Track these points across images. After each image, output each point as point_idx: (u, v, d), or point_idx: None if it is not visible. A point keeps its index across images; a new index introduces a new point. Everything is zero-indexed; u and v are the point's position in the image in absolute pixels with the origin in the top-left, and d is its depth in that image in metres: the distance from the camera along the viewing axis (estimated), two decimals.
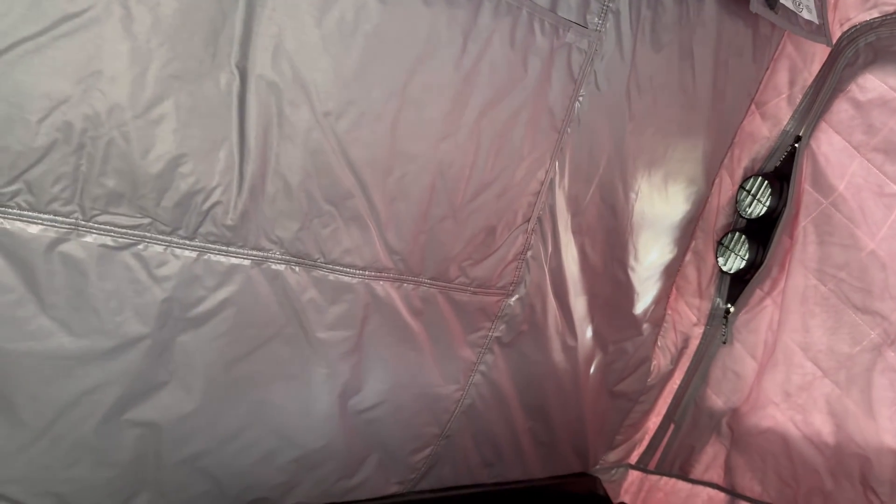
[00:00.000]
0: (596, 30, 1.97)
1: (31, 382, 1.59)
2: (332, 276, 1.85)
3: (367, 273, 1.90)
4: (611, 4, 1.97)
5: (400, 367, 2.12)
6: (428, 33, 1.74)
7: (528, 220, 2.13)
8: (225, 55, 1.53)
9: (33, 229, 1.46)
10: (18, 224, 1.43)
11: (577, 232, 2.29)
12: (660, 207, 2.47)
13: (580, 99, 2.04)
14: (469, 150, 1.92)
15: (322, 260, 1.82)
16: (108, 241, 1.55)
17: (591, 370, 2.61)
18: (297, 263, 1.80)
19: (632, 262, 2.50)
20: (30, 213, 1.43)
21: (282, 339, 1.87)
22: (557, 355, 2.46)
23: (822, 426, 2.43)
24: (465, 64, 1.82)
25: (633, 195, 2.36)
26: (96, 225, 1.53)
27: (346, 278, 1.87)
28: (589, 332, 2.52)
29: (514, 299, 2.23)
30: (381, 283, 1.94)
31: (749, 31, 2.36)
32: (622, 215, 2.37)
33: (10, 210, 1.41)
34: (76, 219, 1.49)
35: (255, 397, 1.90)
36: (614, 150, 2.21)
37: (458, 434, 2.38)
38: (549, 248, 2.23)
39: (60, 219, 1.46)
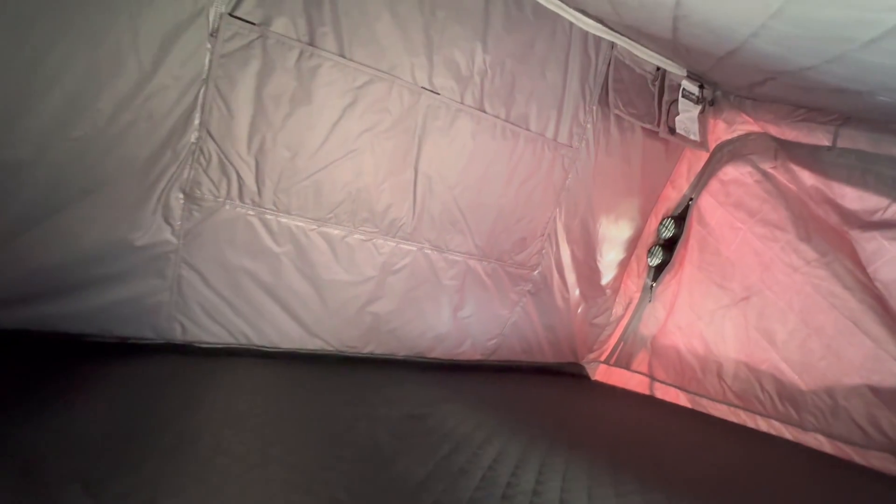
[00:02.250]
0: (576, 147, 2.18)
1: (332, 291, 1.91)
2: (451, 256, 2.09)
3: (465, 255, 2.13)
4: (584, 136, 2.20)
5: (481, 299, 2.27)
6: (494, 150, 1.98)
7: (543, 235, 2.29)
8: (411, 162, 1.86)
9: (336, 231, 1.82)
10: (333, 231, 1.82)
11: (570, 241, 2.39)
12: (613, 232, 2.53)
13: (568, 179, 2.22)
14: (514, 201, 2.12)
15: (446, 249, 2.07)
16: (362, 237, 1.88)
17: (579, 311, 2.64)
18: (435, 249, 2.05)
19: (599, 258, 2.56)
20: (342, 227, 1.83)
21: (428, 283, 2.09)
22: (560, 302, 2.53)
23: (697, 345, 2.49)
24: (512, 161, 2.03)
25: (598, 225, 2.45)
26: (358, 231, 1.86)
27: (456, 257, 2.11)
28: (577, 292, 2.57)
29: (536, 272, 2.36)
30: (472, 260, 2.15)
31: (662, 144, 2.42)
32: (592, 235, 2.46)
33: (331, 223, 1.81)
34: (349, 230, 1.83)
35: (419, 305, 2.12)
36: (586, 203, 2.34)
37: (509, 334, 2.45)
38: (554, 249, 2.37)
39: (348, 230, 1.84)
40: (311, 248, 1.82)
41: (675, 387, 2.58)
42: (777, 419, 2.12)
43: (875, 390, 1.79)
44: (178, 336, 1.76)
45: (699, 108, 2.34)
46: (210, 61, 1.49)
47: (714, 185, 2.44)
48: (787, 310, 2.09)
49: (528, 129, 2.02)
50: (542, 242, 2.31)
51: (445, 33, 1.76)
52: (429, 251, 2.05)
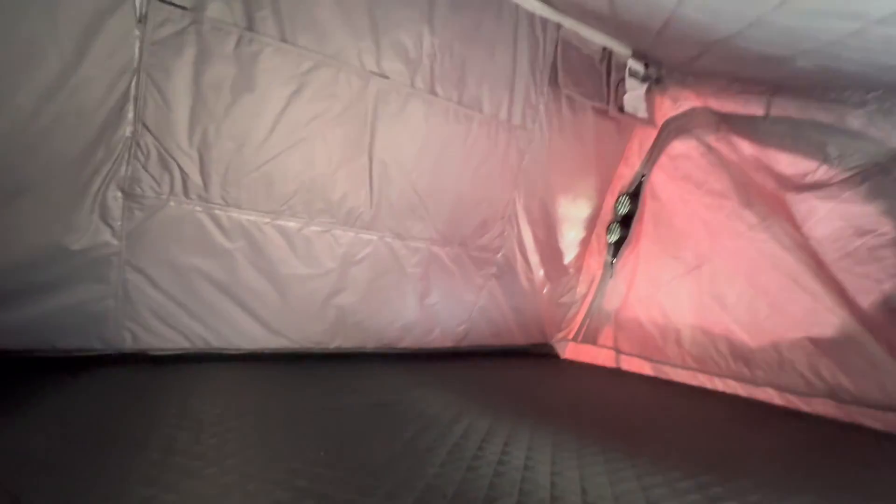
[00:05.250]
0: (530, 128, 2.21)
1: (292, 286, 1.86)
2: (412, 244, 2.08)
3: (427, 241, 2.13)
4: (537, 117, 2.23)
5: (446, 285, 2.27)
6: (449, 134, 1.98)
7: (504, 218, 2.31)
8: (364, 149, 1.83)
9: (291, 223, 1.78)
10: (288, 224, 1.77)
11: (530, 223, 2.42)
12: (572, 211, 2.59)
13: (524, 161, 2.25)
14: (472, 184, 2.12)
15: (407, 236, 2.06)
16: (319, 228, 1.84)
17: (545, 291, 2.68)
18: (396, 237, 2.04)
19: (560, 238, 2.61)
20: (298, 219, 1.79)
21: (391, 272, 2.07)
22: (525, 283, 2.56)
23: (657, 315, 2.59)
24: (468, 144, 2.04)
25: (557, 206, 2.50)
26: (315, 223, 1.82)
27: (418, 244, 2.10)
28: (541, 273, 2.61)
29: (499, 255, 2.39)
30: (434, 247, 2.15)
31: (614, 123, 2.47)
32: (552, 215, 2.51)
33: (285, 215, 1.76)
34: (305, 221, 1.80)
35: (384, 295, 2.10)
36: (544, 184, 2.38)
37: (478, 319, 2.46)
38: (516, 231, 2.39)
39: (304, 221, 1.80)
40: (266, 242, 1.78)
41: (639, 357, 2.68)
42: (731, 377, 2.25)
43: (815, 341, 1.93)
44: (128, 344, 1.69)
45: (645, 85, 2.43)
46: (140, 49, 1.41)
47: (663, 160, 2.54)
48: (734, 274, 2.21)
49: (481, 112, 2.04)
50: (503, 225, 2.33)
51: (391, 16, 1.75)
52: (390, 239, 2.03)
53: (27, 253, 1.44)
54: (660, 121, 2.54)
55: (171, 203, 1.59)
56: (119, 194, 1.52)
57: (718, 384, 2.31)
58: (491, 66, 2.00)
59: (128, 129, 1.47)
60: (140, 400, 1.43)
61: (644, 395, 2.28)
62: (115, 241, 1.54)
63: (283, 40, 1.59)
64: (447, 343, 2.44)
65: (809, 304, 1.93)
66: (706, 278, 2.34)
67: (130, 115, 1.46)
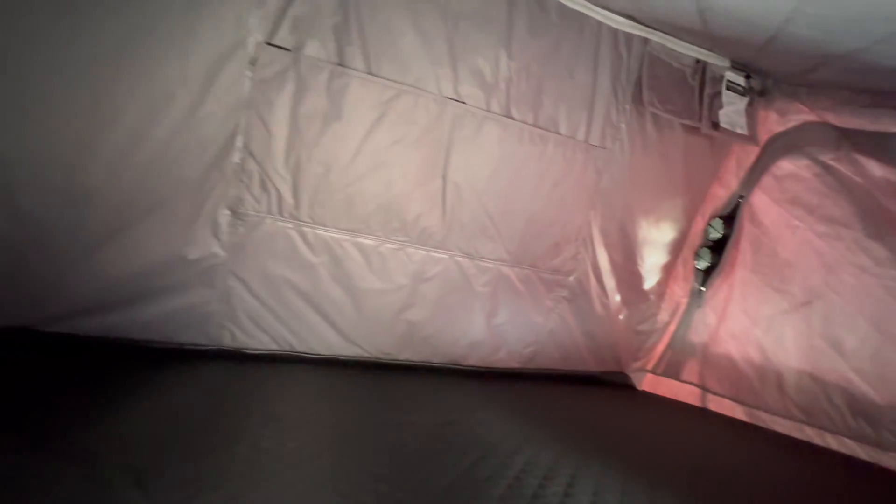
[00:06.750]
0: (610, 148, 2.12)
1: (367, 299, 1.97)
2: (482, 263, 2.10)
3: (497, 262, 2.13)
4: (618, 136, 2.12)
5: (515, 306, 2.24)
6: (523, 157, 1.98)
7: (578, 240, 2.24)
8: (439, 171, 1.90)
9: (369, 241, 1.88)
10: (366, 241, 1.89)
11: (607, 245, 2.32)
12: (655, 234, 2.43)
13: (602, 181, 2.16)
14: (545, 205, 2.09)
15: (477, 256, 2.08)
16: (394, 246, 1.93)
17: (620, 317, 2.54)
18: (466, 257, 2.07)
19: (640, 262, 2.46)
20: (375, 237, 1.88)
21: (460, 290, 2.10)
22: (599, 308, 2.44)
23: (754, 353, 2.33)
24: (542, 165, 2.02)
25: (637, 228, 2.36)
26: (390, 240, 1.92)
27: (487, 264, 2.11)
28: (617, 297, 2.48)
29: (572, 278, 2.31)
30: (504, 267, 2.14)
31: (707, 140, 2.29)
32: (631, 238, 2.37)
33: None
34: (381, 239, 1.90)
35: (452, 312, 2.14)
36: (623, 206, 2.27)
37: (546, 342, 2.40)
38: (590, 253, 2.30)
39: (380, 239, 1.90)
40: (346, 257, 1.90)
41: (731, 398, 2.41)
42: (848, 436, 1.94)
43: None
44: (227, 342, 1.90)
45: (746, 99, 2.21)
46: (251, 87, 1.61)
47: (767, 181, 2.29)
48: (855, 315, 1.91)
49: (557, 133, 2.00)
50: (576, 247, 2.26)
51: (469, 43, 1.80)
52: (460, 258, 2.07)
53: (155, 261, 1.70)
54: (763, 137, 2.31)
55: (268, 220, 1.78)
56: (227, 212, 1.74)
57: (831, 441, 1.99)
58: (569, 86, 1.97)
59: (237, 156, 1.68)
60: (235, 394, 1.61)
61: (734, 442, 2.04)
62: (221, 253, 1.76)
63: (369, 72, 1.71)
64: (513, 364, 2.40)
65: None
66: (818, 317, 2.06)
67: (240, 143, 1.67)
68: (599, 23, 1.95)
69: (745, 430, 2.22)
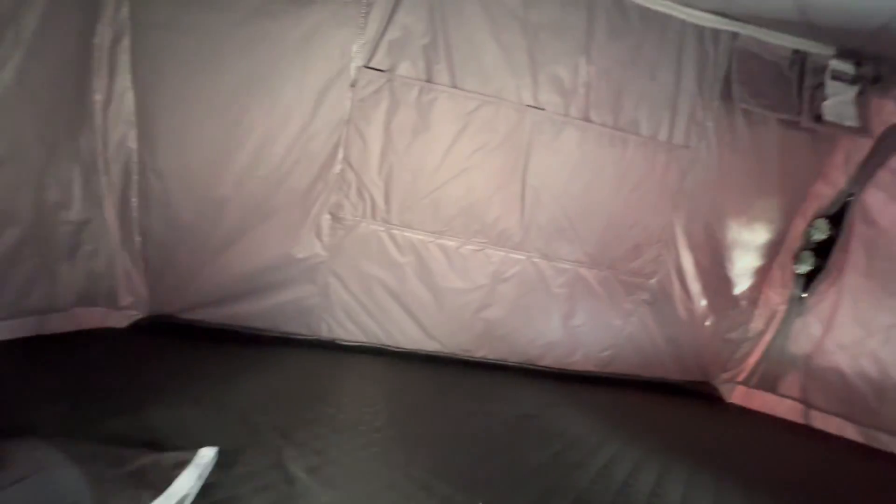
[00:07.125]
0: (694, 147, 2.06)
1: (448, 297, 2.06)
2: (559, 265, 2.12)
3: (575, 263, 2.14)
4: (704, 135, 2.05)
5: (592, 308, 2.23)
6: (602, 158, 1.99)
7: (660, 241, 2.18)
8: (518, 176, 1.97)
9: (451, 242, 1.99)
10: (448, 243, 2.00)
11: (692, 248, 2.23)
12: (746, 236, 2.28)
13: (686, 181, 2.10)
14: (625, 207, 2.08)
15: (554, 257, 2.11)
16: (474, 247, 2.03)
17: (707, 324, 2.40)
18: (544, 258, 2.11)
19: (728, 265, 2.32)
20: (457, 238, 1.99)
21: (537, 291, 2.14)
22: (682, 313, 2.34)
23: (869, 368, 2.11)
24: (622, 167, 2.01)
25: (725, 230, 2.24)
26: (471, 242, 2.00)
27: (565, 265, 2.13)
28: (703, 302, 2.35)
29: (653, 281, 2.25)
30: (582, 269, 2.15)
31: (808, 134, 2.11)
32: (719, 240, 2.25)
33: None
34: (463, 241, 1.99)
35: (529, 312, 2.18)
36: (710, 206, 2.17)
37: (625, 346, 2.34)
38: (673, 256, 2.22)
39: (462, 241, 2.00)
40: (430, 258, 2.04)
41: (840, 417, 2.20)
42: None
43: None
44: (324, 333, 2.13)
45: (856, 88, 2.03)
46: (351, 106, 1.83)
47: (884, 176, 2.08)
48: None
49: (637, 134, 1.99)
50: (658, 249, 2.20)
51: (548, 52, 1.87)
52: (537, 260, 2.12)
53: (270, 260, 1.97)
54: (878, 128, 2.09)
55: (363, 224, 1.98)
56: (328, 217, 1.96)
57: None
58: (650, 87, 1.95)
59: (338, 167, 1.90)
60: (328, 378, 1.80)
61: (847, 463, 1.84)
62: (323, 253, 1.99)
63: (454, 86, 1.85)
64: (589, 366, 2.38)
65: None
66: None
67: (341, 156, 1.89)
68: (683, 21, 1.92)
69: (859, 453, 2.00)
